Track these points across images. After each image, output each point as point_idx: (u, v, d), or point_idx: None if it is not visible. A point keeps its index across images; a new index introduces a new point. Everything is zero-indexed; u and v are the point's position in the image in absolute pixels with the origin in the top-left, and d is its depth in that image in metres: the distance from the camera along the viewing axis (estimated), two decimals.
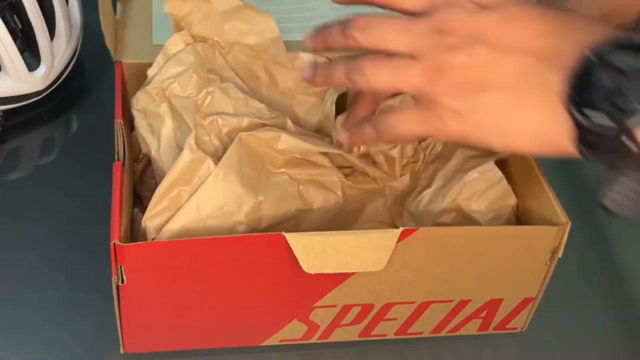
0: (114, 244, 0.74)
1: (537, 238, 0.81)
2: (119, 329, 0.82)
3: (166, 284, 0.79)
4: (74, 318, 0.88)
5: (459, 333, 0.89)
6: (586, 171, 0.98)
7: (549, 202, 0.82)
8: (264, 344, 0.86)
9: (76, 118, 1.10)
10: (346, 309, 0.84)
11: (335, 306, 0.84)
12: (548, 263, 0.83)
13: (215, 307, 0.82)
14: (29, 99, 1.05)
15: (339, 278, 0.81)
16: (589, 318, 0.93)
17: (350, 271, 0.80)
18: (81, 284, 0.91)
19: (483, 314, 0.87)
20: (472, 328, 0.88)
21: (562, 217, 0.80)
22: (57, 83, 1.08)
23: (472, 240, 0.80)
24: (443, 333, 0.88)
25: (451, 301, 0.85)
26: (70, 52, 1.08)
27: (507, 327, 0.89)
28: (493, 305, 0.86)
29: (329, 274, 0.79)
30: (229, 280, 0.80)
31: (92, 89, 1.13)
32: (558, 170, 0.98)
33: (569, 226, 0.80)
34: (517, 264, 0.83)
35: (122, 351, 0.84)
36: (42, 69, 1.04)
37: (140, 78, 0.92)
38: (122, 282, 0.76)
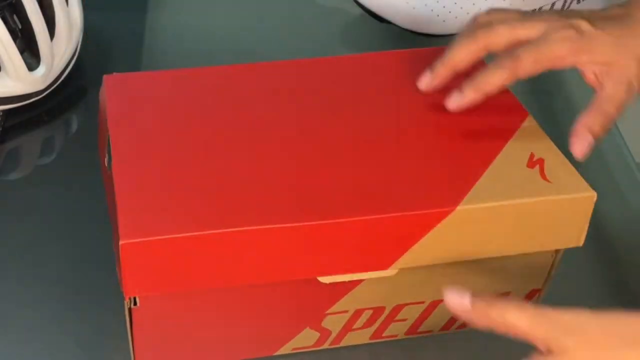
0: None
1: None
2: (131, 351, 0.82)
3: (179, 302, 0.79)
4: (74, 318, 0.89)
5: (467, 328, 0.90)
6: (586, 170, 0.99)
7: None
8: (276, 353, 0.87)
9: (76, 118, 1.11)
10: (358, 313, 0.85)
11: (347, 312, 0.84)
12: (554, 255, 0.85)
13: (229, 322, 0.83)
14: (29, 99, 1.05)
15: (351, 284, 0.82)
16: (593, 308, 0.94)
17: (364, 278, 0.80)
18: (81, 284, 0.91)
19: None
20: None
21: None
22: (57, 83, 1.08)
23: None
24: (452, 330, 0.90)
25: None
26: (70, 52, 1.08)
27: None
28: None
29: (342, 281, 0.80)
30: (243, 294, 0.80)
31: (92, 89, 1.06)
32: None
33: None
34: (524, 257, 0.84)
35: None
36: (42, 69, 1.04)
37: None
38: (135, 304, 0.77)
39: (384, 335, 0.88)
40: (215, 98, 0.89)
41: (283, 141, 0.84)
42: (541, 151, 0.84)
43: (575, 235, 0.83)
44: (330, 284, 0.80)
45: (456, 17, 1.25)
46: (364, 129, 0.86)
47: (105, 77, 0.89)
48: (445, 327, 0.89)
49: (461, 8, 1.24)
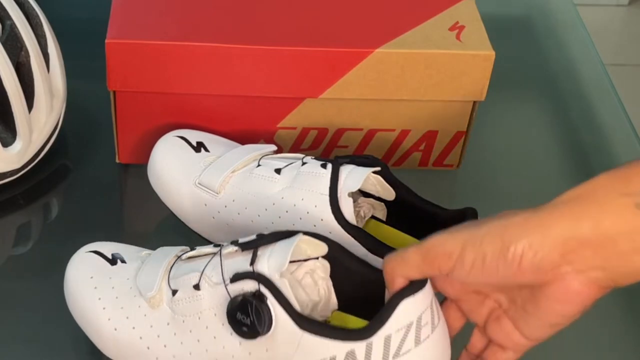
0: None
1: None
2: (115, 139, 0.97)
3: (153, 100, 0.96)
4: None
5: (403, 166, 1.03)
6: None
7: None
8: None
9: (57, 202, 0.99)
10: (305, 131, 0.99)
11: (295, 128, 0.99)
12: (472, 104, 1.00)
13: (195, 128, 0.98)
14: (3, 179, 0.93)
15: (295, 102, 0.97)
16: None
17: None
18: None
19: (422, 147, 1.02)
20: (413, 162, 1.03)
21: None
22: (36, 161, 0.95)
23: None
24: (389, 165, 1.02)
25: (394, 130, 1.01)
26: (51, 126, 0.95)
27: (444, 163, 1.04)
28: (430, 137, 1.02)
29: (286, 98, 0.97)
30: (206, 101, 0.97)
31: (76, 168, 1.01)
32: None
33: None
34: (443, 104, 1.00)
35: (117, 160, 0.98)
36: (17, 145, 0.92)
37: None
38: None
39: None
40: None
41: None
42: (466, 21, 1.00)
43: (478, 89, 0.99)
44: (277, 98, 0.96)
45: None
46: None
47: None
48: (383, 160, 1.02)
49: None
